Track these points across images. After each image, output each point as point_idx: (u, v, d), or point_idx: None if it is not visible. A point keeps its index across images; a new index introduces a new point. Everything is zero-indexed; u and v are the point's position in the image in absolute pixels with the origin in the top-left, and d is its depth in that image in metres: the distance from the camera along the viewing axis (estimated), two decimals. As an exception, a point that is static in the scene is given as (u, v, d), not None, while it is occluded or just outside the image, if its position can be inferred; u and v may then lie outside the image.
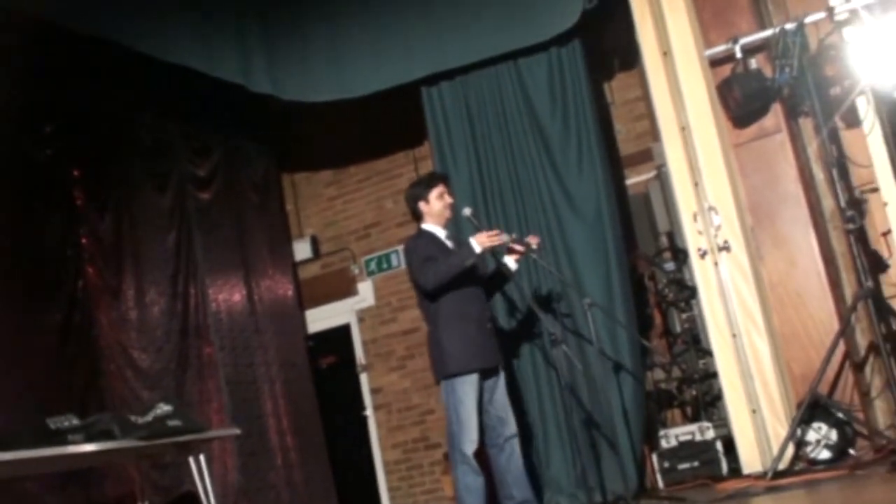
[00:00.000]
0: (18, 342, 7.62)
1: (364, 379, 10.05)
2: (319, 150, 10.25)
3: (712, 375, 7.52)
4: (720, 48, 7.11)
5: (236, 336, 9.08)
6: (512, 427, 6.29)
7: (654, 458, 7.52)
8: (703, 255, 7.02)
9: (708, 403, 7.77)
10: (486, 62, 8.05)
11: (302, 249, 10.26)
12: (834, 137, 6.89)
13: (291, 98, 8.34)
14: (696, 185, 7.08)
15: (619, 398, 7.40)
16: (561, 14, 7.69)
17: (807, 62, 6.74)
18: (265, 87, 8.18)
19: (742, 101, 7.01)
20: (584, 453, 6.99)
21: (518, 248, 6.39)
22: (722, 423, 7.38)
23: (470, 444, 6.07)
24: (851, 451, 6.60)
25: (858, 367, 6.83)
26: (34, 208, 8.14)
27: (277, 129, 10.00)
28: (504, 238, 6.25)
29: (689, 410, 7.99)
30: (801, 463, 6.54)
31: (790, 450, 6.50)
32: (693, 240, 7.08)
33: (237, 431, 6.78)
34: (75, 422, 5.27)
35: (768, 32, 6.97)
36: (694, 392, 7.84)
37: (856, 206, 6.70)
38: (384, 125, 9.59)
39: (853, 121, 6.84)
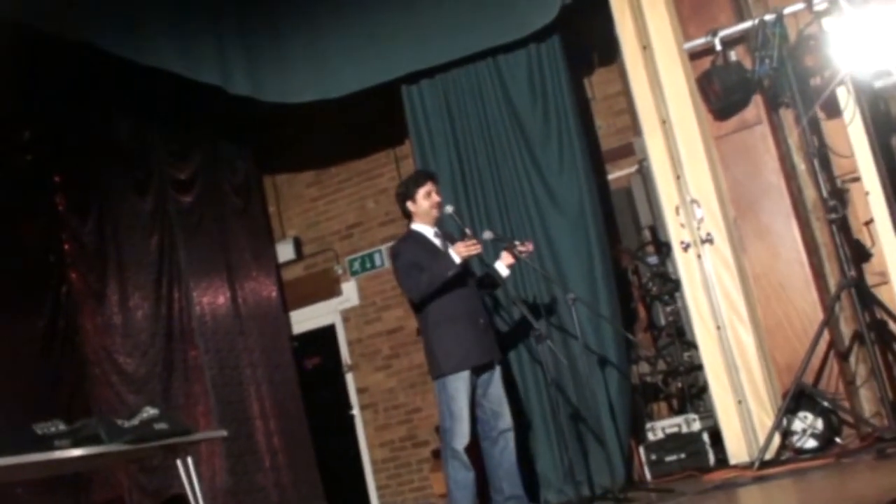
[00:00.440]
0: (3, 349, 7.60)
1: (350, 379, 10.05)
2: (300, 151, 10.23)
3: (697, 367, 7.54)
4: (699, 41, 7.11)
5: (221, 339, 9.07)
6: (507, 421, 6.31)
7: (642, 450, 7.54)
8: (686, 248, 7.04)
9: (694, 395, 7.80)
10: (466, 59, 8.05)
11: (285, 251, 10.24)
12: (815, 128, 6.91)
13: (271, 100, 8.31)
14: (677, 178, 7.10)
15: (605, 392, 7.41)
16: (539, 10, 7.69)
17: (786, 53, 6.75)
18: (244, 89, 8.15)
19: (722, 93, 7.02)
20: (571, 448, 6.99)
21: (521, 250, 6.40)
22: (708, 414, 7.40)
23: (461, 439, 6.09)
24: (837, 440, 6.62)
25: (843, 357, 6.85)
26: (15, 214, 8.11)
27: (258, 130, 9.97)
28: (481, 246, 6.25)
29: (675, 403, 8.01)
30: (788, 452, 6.57)
31: (776, 439, 6.53)
32: (676, 233, 7.10)
33: (224, 433, 6.76)
34: (62, 427, 5.25)
35: (747, 24, 6.97)
36: (679, 384, 7.86)
37: (838, 196, 6.73)
38: (365, 125, 9.59)
39: (834, 111, 6.86)
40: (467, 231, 6.52)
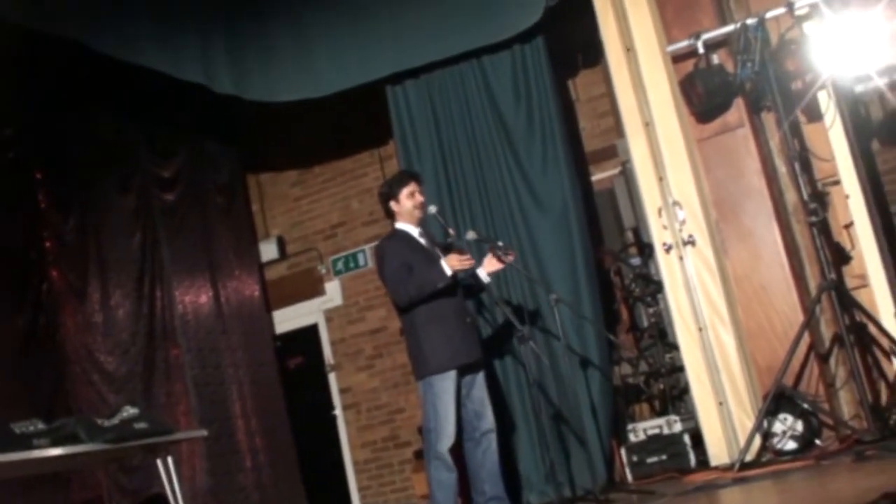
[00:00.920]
0: (-18, 347, 7.56)
1: (332, 379, 10.03)
2: (284, 150, 10.22)
3: (679, 369, 7.56)
4: (682, 44, 7.14)
5: (203, 338, 9.05)
6: (489, 422, 6.30)
7: (623, 452, 7.56)
8: (668, 249, 7.06)
9: (675, 397, 7.82)
10: (451, 60, 8.05)
11: (268, 250, 10.22)
12: (796, 131, 6.95)
13: (255, 98, 8.30)
14: (660, 180, 7.13)
15: (587, 393, 7.42)
16: (524, 11, 7.70)
17: (768, 57, 6.78)
18: (229, 87, 8.13)
19: (705, 96, 7.04)
20: (552, 449, 7.00)
21: (505, 259, 6.39)
22: (689, 416, 7.42)
23: (446, 440, 6.07)
24: (817, 442, 6.65)
25: (823, 359, 6.89)
26: (-4, 211, 8.08)
27: (242, 129, 9.96)
28: (474, 261, 6.25)
29: (656, 404, 8.02)
30: (768, 454, 6.59)
31: (757, 441, 6.55)
32: (658, 235, 7.12)
33: (204, 433, 6.74)
34: (41, 426, 5.23)
35: (730, 28, 7.00)
36: (661, 386, 7.87)
37: (818, 199, 6.76)
38: (349, 124, 9.59)
39: (815, 115, 6.90)
40: (451, 231, 6.52)
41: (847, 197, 6.70)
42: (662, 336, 7.89)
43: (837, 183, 6.81)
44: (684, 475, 6.93)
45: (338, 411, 9.96)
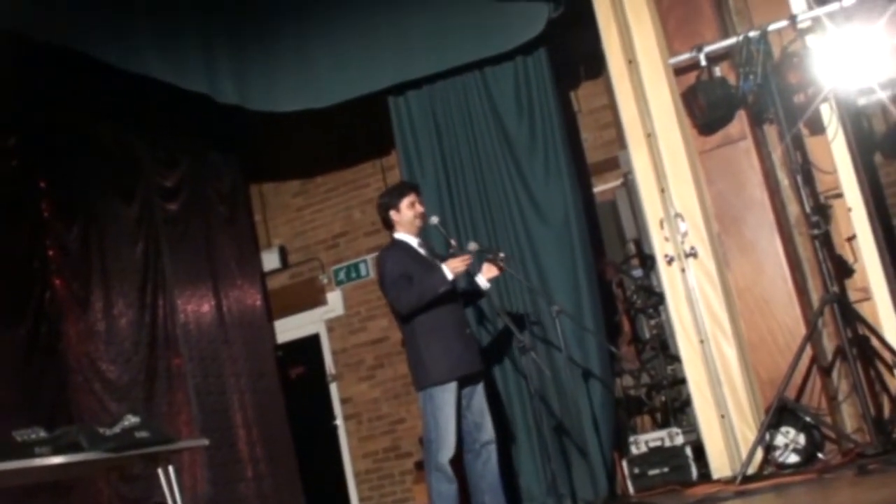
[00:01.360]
0: (-15, 355, 7.56)
1: (334, 389, 10.03)
2: (287, 160, 10.24)
3: (681, 381, 7.55)
4: (685, 56, 7.14)
5: (205, 347, 9.05)
6: (489, 433, 6.29)
7: (625, 464, 7.54)
8: (670, 261, 7.05)
9: (677, 409, 7.81)
10: (453, 71, 8.08)
11: (270, 260, 10.23)
12: (798, 144, 6.95)
13: (258, 108, 8.32)
14: (662, 192, 7.12)
15: (589, 405, 7.42)
16: (526, 23, 7.73)
17: (770, 70, 6.79)
18: (232, 97, 8.14)
19: (707, 108, 7.04)
20: (554, 460, 7.00)
21: (500, 264, 6.40)
22: (691, 428, 7.41)
23: (446, 451, 6.07)
24: (819, 455, 6.64)
25: (825, 372, 6.88)
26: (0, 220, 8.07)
27: (244, 139, 9.98)
28: (472, 259, 6.26)
29: (658, 416, 8.02)
30: (770, 467, 6.57)
31: (759, 454, 6.53)
32: (660, 246, 7.12)
33: (205, 442, 6.75)
34: (42, 434, 5.23)
35: (732, 40, 7.01)
36: (663, 398, 7.87)
37: (821, 212, 6.76)
38: (351, 135, 9.61)
39: (817, 127, 6.90)
40: (452, 242, 6.52)
41: (849, 210, 6.70)
42: (664, 348, 7.89)
43: (840, 196, 6.81)
44: (686, 488, 6.93)
45: (339, 421, 9.96)
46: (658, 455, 7.39)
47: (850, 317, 6.48)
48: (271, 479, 9.18)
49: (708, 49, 7.05)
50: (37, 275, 8.39)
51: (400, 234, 6.39)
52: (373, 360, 9.83)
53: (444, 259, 6.44)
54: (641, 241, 8.08)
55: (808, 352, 6.69)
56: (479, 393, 6.31)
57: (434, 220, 6.54)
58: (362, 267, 9.91)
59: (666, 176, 7.11)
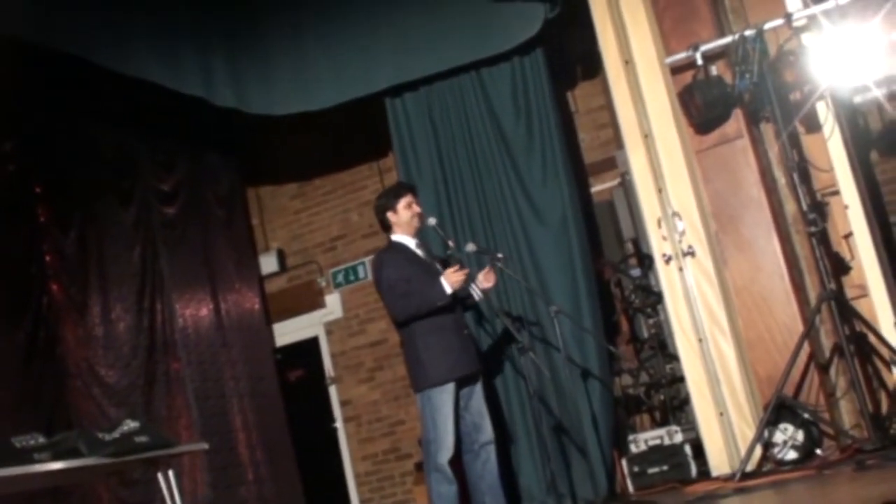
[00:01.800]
0: (-18, 361, 7.54)
1: (333, 391, 10.03)
2: (284, 163, 10.23)
3: (679, 380, 7.56)
4: (681, 56, 7.14)
5: (204, 351, 9.04)
6: (488, 433, 6.30)
7: (624, 462, 7.55)
8: (668, 260, 7.07)
9: (676, 407, 7.82)
10: (450, 73, 8.09)
11: (268, 263, 10.23)
12: (795, 142, 6.96)
13: (255, 111, 8.32)
14: (659, 191, 7.14)
15: (588, 404, 7.43)
16: (523, 23, 7.74)
17: (767, 68, 6.79)
18: (229, 100, 8.15)
19: (703, 107, 7.05)
20: (553, 460, 7.00)
21: (486, 286, 6.38)
22: (690, 426, 7.42)
23: (445, 452, 6.07)
24: (818, 451, 6.65)
25: (823, 369, 6.89)
26: (-4, 225, 8.07)
27: (242, 142, 9.98)
28: (468, 271, 6.25)
29: (657, 415, 8.03)
30: (769, 464, 6.59)
31: (758, 451, 6.55)
32: (658, 246, 7.14)
33: (205, 446, 6.73)
34: (41, 440, 5.22)
35: (728, 39, 7.01)
36: (662, 396, 7.88)
37: (817, 210, 6.76)
38: (348, 137, 9.60)
39: (813, 125, 6.91)
40: (450, 243, 6.52)
41: (846, 207, 6.71)
42: (663, 347, 7.90)
43: (836, 193, 6.82)
44: (685, 486, 6.93)
45: (338, 424, 9.96)
46: (657, 453, 7.40)
47: (847, 314, 6.49)
48: (272, 482, 9.18)
49: (704, 48, 7.05)
50: (34, 280, 8.37)
51: (397, 236, 6.40)
52: (372, 362, 9.83)
53: (441, 260, 6.45)
54: (639, 241, 8.09)
55: (806, 349, 6.70)
56: (477, 393, 6.31)
57: (432, 221, 6.55)
58: (360, 269, 9.90)
59: (663, 175, 7.13)
